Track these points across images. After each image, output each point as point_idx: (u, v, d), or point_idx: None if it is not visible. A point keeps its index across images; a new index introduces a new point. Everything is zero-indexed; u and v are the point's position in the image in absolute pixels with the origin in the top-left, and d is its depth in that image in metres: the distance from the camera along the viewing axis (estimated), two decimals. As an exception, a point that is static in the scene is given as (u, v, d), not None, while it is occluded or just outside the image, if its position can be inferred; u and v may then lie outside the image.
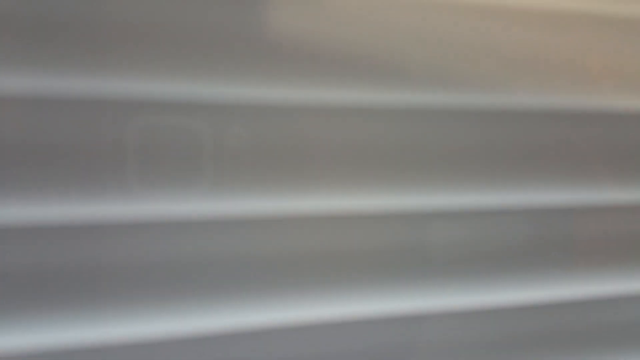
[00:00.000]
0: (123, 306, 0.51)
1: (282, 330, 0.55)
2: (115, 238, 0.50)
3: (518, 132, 0.61)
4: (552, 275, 0.62)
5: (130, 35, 0.50)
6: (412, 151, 0.57)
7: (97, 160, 0.49)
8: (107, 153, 0.49)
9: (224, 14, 0.52)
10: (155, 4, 0.50)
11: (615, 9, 0.63)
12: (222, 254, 0.53)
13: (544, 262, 0.62)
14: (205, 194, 0.52)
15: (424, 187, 0.58)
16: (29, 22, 0.47)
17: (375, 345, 0.57)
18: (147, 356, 0.51)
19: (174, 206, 0.51)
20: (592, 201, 0.63)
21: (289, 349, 0.55)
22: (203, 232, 0.52)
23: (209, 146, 0.52)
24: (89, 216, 0.49)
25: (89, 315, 0.50)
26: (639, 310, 0.66)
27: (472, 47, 0.58)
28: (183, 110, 0.51)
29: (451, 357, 0.60)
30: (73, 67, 0.48)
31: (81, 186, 0.49)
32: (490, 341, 0.61)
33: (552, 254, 0.62)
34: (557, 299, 0.62)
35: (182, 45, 0.51)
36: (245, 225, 0.53)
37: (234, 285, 0.53)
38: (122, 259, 0.50)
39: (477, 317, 0.60)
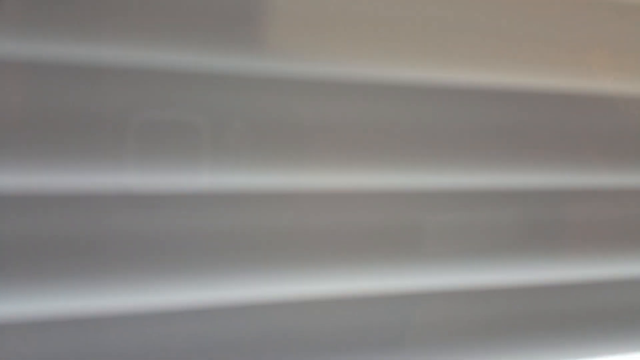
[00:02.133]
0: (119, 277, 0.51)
1: (276, 306, 0.55)
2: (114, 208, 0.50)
3: (513, 114, 0.60)
4: (544, 259, 0.62)
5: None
6: (413, 129, 0.57)
7: (99, 128, 0.49)
8: (110, 122, 0.49)
9: None
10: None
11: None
12: (222, 228, 0.53)
13: (537, 246, 0.62)
14: (205, 167, 0.52)
15: (421, 167, 0.58)
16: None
17: (371, 324, 0.57)
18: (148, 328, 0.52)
19: (175, 177, 0.51)
20: (583, 184, 0.63)
21: (286, 325, 0.55)
22: (203, 204, 0.52)
23: (207, 120, 0.52)
24: (90, 185, 0.49)
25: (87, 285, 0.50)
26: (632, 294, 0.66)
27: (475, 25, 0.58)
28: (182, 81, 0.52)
29: (443, 338, 0.60)
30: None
31: (83, 154, 0.49)
32: (482, 323, 0.61)
33: (546, 238, 0.62)
34: (548, 282, 0.62)
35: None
36: (245, 200, 0.53)
37: (236, 259, 0.53)
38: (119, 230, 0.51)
39: (469, 298, 0.60)
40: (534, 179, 0.61)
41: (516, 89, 0.60)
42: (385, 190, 0.57)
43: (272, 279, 0.54)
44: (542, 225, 0.62)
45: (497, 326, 0.61)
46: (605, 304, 0.65)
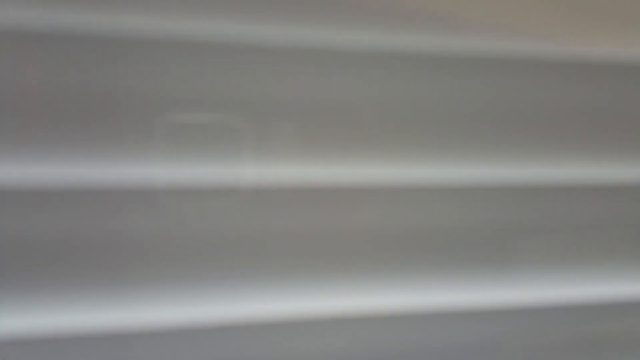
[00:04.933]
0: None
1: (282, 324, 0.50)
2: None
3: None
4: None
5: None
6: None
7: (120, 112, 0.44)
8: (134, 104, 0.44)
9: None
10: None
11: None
12: (233, 232, 0.48)
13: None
14: (231, 162, 0.47)
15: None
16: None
17: (383, 342, 0.53)
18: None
19: (208, 170, 0.46)
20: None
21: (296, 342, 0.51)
22: (223, 203, 0.47)
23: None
24: (108, 179, 0.44)
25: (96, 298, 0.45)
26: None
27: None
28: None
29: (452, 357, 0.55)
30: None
31: (100, 142, 0.44)
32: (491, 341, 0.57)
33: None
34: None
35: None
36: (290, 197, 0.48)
37: (252, 272, 0.48)
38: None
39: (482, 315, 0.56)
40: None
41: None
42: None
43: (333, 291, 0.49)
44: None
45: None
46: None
